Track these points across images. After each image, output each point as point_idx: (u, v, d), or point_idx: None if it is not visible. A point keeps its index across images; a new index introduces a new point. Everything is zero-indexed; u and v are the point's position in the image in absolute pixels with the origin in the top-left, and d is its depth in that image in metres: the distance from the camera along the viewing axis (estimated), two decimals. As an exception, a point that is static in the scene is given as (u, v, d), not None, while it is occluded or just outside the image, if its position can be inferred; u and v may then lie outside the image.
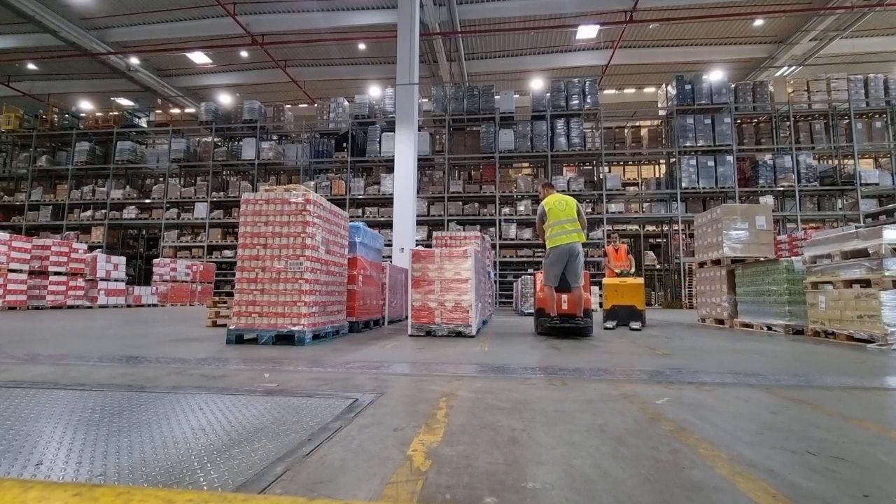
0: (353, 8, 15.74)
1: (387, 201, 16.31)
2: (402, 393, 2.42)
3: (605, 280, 7.88)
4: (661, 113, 17.94)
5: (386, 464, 1.40)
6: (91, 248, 14.78)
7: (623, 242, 9.37)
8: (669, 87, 16.79)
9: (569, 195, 5.95)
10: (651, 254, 18.84)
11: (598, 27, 14.68)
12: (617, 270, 8.54)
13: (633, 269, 8.58)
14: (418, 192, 14.70)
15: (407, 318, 6.11)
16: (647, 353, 4.16)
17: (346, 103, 18.08)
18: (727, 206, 8.05)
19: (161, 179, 19.82)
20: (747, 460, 1.47)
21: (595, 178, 17.42)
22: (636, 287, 7.49)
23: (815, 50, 17.24)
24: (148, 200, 19.02)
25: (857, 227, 5.51)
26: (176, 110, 21.43)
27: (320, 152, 18.55)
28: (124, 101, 21.25)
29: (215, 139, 19.19)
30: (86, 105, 22.82)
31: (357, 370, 3.08)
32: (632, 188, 19.07)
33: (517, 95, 18.10)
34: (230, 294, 6.65)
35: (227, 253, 18.04)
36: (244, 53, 18.40)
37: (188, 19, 16.72)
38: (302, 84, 20.27)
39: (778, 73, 18.74)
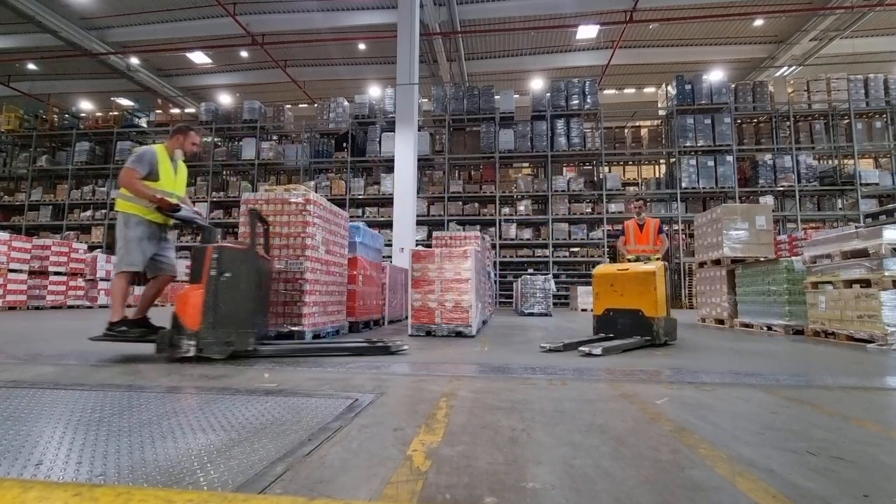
0: (353, 8, 15.74)
1: (387, 201, 16.29)
2: (402, 393, 2.42)
3: (595, 269, 5.15)
4: (661, 113, 17.95)
5: (386, 464, 1.39)
6: (91, 248, 14.77)
7: (654, 217, 6.26)
8: (669, 87, 16.79)
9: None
10: (651, 254, 18.81)
11: (597, 27, 14.68)
12: (630, 257, 5.27)
13: (656, 256, 5.17)
14: (418, 192, 14.69)
15: (407, 318, 6.11)
16: (647, 354, 4.16)
17: (346, 103, 18.06)
18: (727, 206, 8.05)
19: (161, 179, 19.78)
20: (747, 460, 1.47)
21: (595, 178, 17.42)
22: (644, 278, 4.63)
23: (815, 50, 17.23)
24: (148, 200, 18.98)
25: (857, 227, 5.51)
26: (176, 110, 21.41)
27: (320, 152, 18.55)
28: (124, 101, 21.22)
29: (215, 139, 19.18)
30: (86, 105, 22.80)
31: (357, 370, 3.08)
32: (632, 188, 19.05)
33: (517, 95, 18.10)
34: (230, 294, 6.57)
35: (228, 253, 18.00)
36: (244, 53, 18.39)
37: (188, 19, 16.71)
38: (302, 84, 20.26)
39: (778, 73, 18.72)
